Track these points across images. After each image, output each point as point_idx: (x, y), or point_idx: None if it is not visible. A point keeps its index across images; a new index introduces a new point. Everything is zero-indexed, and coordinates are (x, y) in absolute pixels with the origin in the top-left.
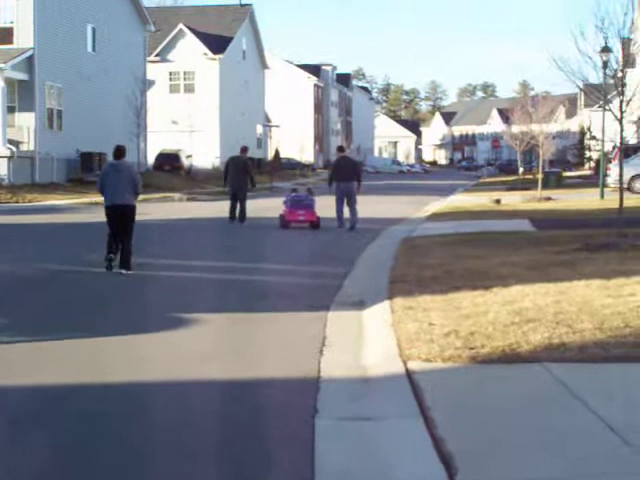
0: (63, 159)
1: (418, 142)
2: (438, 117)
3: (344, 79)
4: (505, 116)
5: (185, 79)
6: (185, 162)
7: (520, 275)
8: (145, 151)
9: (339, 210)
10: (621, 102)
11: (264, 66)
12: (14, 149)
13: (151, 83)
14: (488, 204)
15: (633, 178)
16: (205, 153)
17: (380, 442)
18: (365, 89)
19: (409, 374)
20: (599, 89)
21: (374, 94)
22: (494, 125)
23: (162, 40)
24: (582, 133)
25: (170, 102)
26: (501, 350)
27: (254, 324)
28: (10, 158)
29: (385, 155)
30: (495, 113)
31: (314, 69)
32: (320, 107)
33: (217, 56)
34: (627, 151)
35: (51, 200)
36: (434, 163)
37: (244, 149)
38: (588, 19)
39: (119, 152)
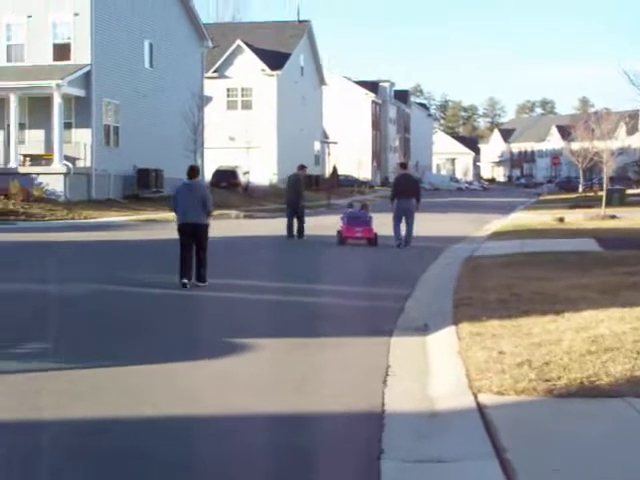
0: (120, 175)
1: (476, 159)
2: (496, 134)
3: (402, 95)
4: (565, 133)
5: (243, 95)
6: (242, 179)
7: (591, 299)
8: (202, 168)
9: (397, 227)
10: None
11: (322, 82)
12: (70, 165)
13: (208, 99)
14: (551, 222)
15: None
16: (262, 170)
17: None
18: (423, 105)
19: (480, 408)
20: None
21: (432, 111)
22: (553, 142)
23: (220, 56)
24: None
25: (227, 118)
26: (579, 382)
27: (312, 351)
28: (66, 174)
29: (443, 172)
30: (554, 130)
31: (372, 86)
32: (378, 124)
33: (275, 72)
34: None
35: (107, 217)
36: (492, 180)
37: (301, 167)
38: None
39: (193, 172)
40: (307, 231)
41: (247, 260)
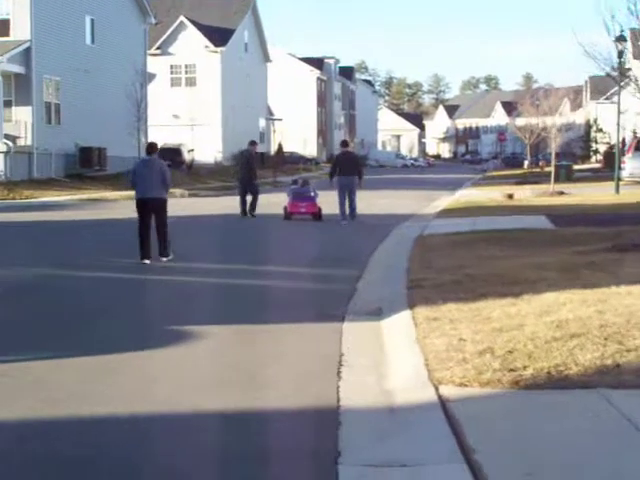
0: (61, 154)
1: (421, 135)
2: (441, 110)
3: (347, 72)
4: (509, 109)
5: (186, 72)
6: (187, 157)
7: (550, 279)
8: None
9: (341, 204)
10: None
11: (266, 59)
12: (11, 144)
13: (152, 76)
14: (500, 199)
15: None
16: (207, 148)
17: None
18: (368, 82)
19: (443, 402)
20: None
21: (377, 87)
22: (498, 118)
23: (163, 33)
24: (588, 126)
25: (171, 96)
26: (547, 372)
27: (261, 339)
28: (7, 153)
29: (388, 149)
30: (499, 106)
31: (317, 62)
32: (323, 100)
33: (219, 49)
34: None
35: (49, 196)
36: (438, 157)
37: (252, 143)
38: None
39: (151, 148)
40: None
41: (192, 241)
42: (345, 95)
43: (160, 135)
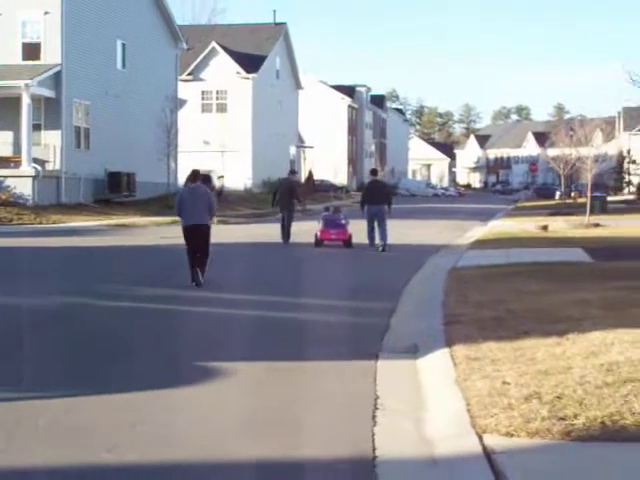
0: (90, 179)
1: (452, 165)
2: (472, 140)
3: (378, 100)
4: (541, 139)
5: (217, 98)
6: (217, 183)
7: (595, 317)
8: (176, 171)
9: (370, 232)
10: None
11: (298, 86)
12: (39, 168)
13: (183, 102)
14: (534, 230)
15: None
16: (237, 174)
17: None
18: (399, 111)
19: (488, 453)
20: None
21: (407, 116)
22: (529, 148)
23: (194, 59)
24: (621, 157)
25: (202, 122)
26: (600, 422)
27: (291, 378)
28: (35, 177)
29: (419, 177)
30: (530, 136)
31: (348, 90)
32: (354, 129)
33: (250, 75)
34: None
35: (76, 222)
36: (468, 186)
37: (292, 172)
38: None
39: (194, 176)
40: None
41: (225, 270)
42: (376, 123)
43: (190, 161)
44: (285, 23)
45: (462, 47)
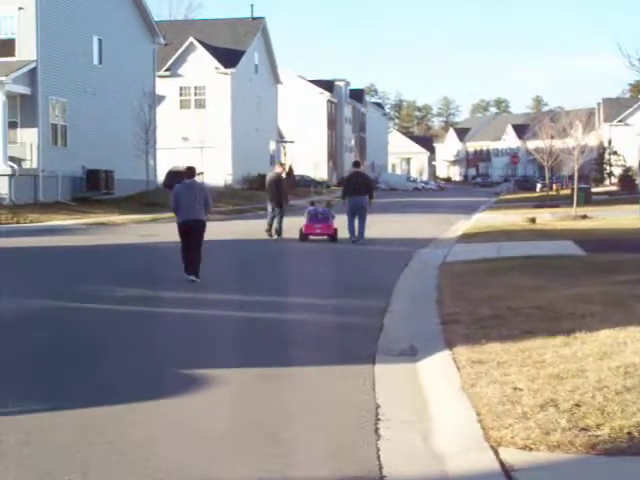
0: (68, 177)
1: (431, 158)
2: (452, 133)
3: (357, 95)
4: (520, 132)
5: (196, 94)
6: (196, 179)
7: (600, 314)
8: (155, 168)
9: (351, 224)
10: None
11: (277, 81)
12: (16, 167)
13: (161, 98)
14: (522, 223)
15: None
16: (217, 170)
17: None
18: (378, 105)
19: (507, 470)
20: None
21: (386, 110)
22: (509, 141)
23: (172, 54)
24: (602, 148)
25: (180, 118)
26: (627, 433)
27: (286, 385)
28: (11, 176)
29: (399, 171)
30: (510, 129)
31: (327, 85)
32: (334, 123)
33: (229, 70)
34: None
35: (54, 220)
36: (448, 180)
37: (280, 165)
38: None
39: (190, 172)
40: (262, 233)
41: (208, 269)
42: (355, 118)
43: (169, 158)
44: (263, 18)
45: (440, 41)
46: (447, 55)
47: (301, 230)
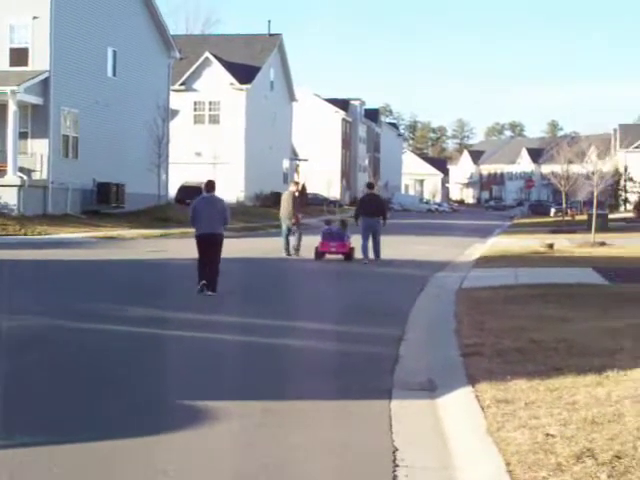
0: (78, 189)
1: (445, 180)
2: (466, 155)
3: (372, 114)
4: (535, 156)
5: (210, 109)
6: None
7: (631, 350)
8: (166, 183)
9: (364, 245)
10: None
11: (292, 98)
12: (25, 177)
13: (175, 113)
14: (539, 248)
15: None
16: (229, 187)
17: None
18: (393, 125)
19: None
20: None
21: (401, 131)
22: (523, 165)
23: (187, 68)
24: (617, 174)
25: (194, 133)
26: None
27: (295, 422)
28: (21, 187)
29: (412, 192)
30: (525, 152)
31: (342, 104)
32: (348, 142)
33: (244, 86)
34: None
35: (63, 233)
36: (461, 202)
37: (295, 183)
38: None
39: (210, 186)
40: (278, 253)
41: (220, 289)
42: (370, 137)
43: (181, 173)
44: (280, 34)
45: (456, 63)
46: (463, 77)
47: (317, 248)
